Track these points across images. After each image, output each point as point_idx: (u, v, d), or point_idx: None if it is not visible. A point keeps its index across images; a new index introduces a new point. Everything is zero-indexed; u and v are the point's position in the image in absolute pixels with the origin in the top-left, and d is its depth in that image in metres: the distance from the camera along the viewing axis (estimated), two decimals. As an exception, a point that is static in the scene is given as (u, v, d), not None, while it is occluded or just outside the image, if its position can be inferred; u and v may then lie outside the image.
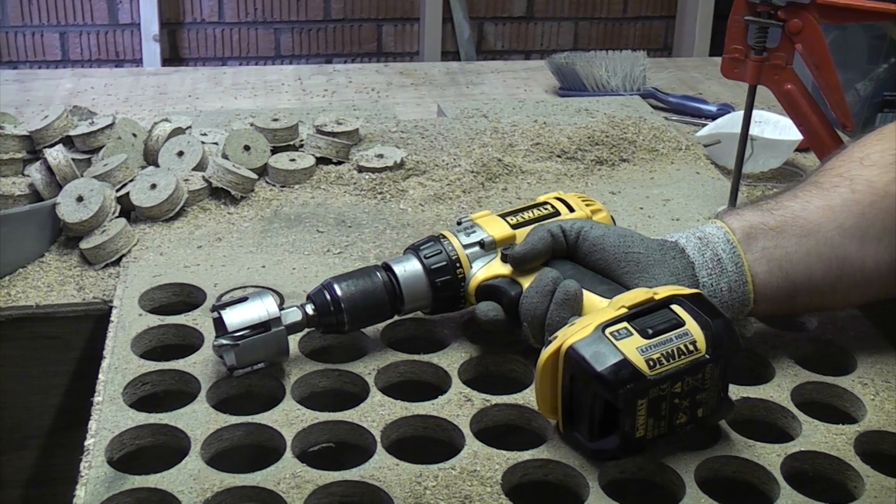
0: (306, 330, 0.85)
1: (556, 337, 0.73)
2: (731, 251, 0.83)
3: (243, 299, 0.82)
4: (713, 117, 1.55)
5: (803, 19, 1.09)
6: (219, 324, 0.82)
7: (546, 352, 0.73)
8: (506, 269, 0.85)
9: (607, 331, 0.71)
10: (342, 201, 1.18)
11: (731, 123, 1.40)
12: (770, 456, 0.76)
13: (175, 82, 1.76)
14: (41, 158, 1.14)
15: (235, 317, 0.81)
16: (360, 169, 1.24)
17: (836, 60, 1.11)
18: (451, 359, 0.86)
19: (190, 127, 1.28)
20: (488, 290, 0.85)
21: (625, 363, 0.70)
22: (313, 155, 1.25)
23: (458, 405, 0.80)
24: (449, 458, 0.75)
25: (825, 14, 1.10)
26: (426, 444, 0.79)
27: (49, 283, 1.02)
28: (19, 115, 1.46)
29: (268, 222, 1.12)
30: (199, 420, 0.78)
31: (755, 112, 1.26)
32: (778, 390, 0.84)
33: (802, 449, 0.77)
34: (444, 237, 0.87)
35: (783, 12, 1.10)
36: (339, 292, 0.84)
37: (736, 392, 0.83)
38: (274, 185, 1.21)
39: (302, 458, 0.75)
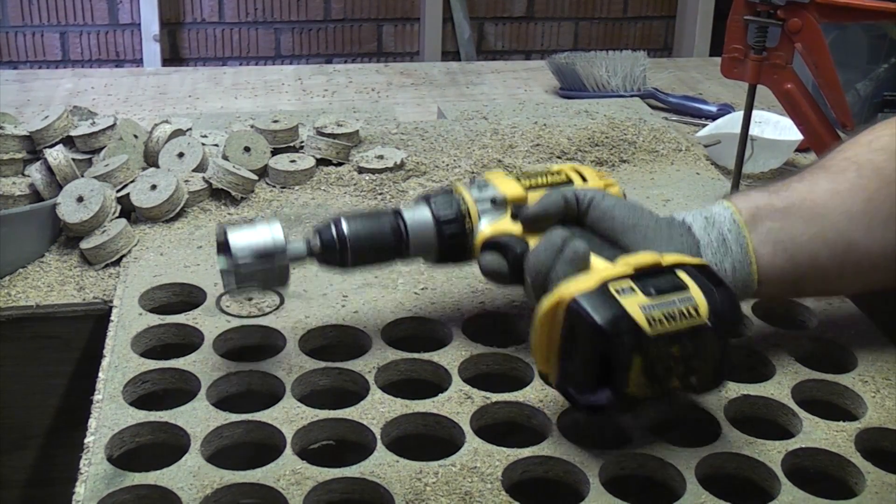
0: (308, 260, 0.84)
1: (558, 288, 0.72)
2: (737, 232, 0.82)
3: (251, 221, 0.81)
4: (713, 117, 1.55)
5: (803, 18, 1.10)
6: (222, 244, 0.81)
7: (547, 301, 0.72)
8: (514, 228, 0.85)
9: (610, 286, 0.71)
10: (342, 202, 1.18)
11: (731, 123, 1.40)
12: (771, 453, 0.76)
13: (175, 82, 1.77)
14: (41, 158, 1.14)
15: (240, 239, 0.80)
16: (361, 170, 1.24)
17: (836, 60, 1.11)
18: (452, 357, 0.86)
19: (190, 128, 1.28)
20: (494, 245, 0.85)
21: (625, 317, 0.69)
22: (313, 156, 1.25)
23: (458, 403, 0.80)
24: (449, 455, 0.75)
25: (825, 13, 1.10)
26: (426, 441, 0.79)
27: (49, 283, 1.02)
28: (19, 115, 1.46)
29: (268, 222, 1.12)
30: (198, 417, 0.78)
31: (755, 112, 1.26)
32: (779, 388, 0.84)
33: (803, 446, 0.77)
34: (457, 190, 0.87)
35: (783, 11, 1.10)
36: (345, 229, 0.84)
37: (737, 389, 0.83)
38: (274, 186, 1.21)
39: (302, 455, 0.75)
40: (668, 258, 0.74)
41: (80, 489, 0.70)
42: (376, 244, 0.85)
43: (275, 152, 1.25)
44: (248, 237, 0.80)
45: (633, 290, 0.71)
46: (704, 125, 1.51)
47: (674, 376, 0.72)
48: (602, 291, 0.71)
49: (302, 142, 1.29)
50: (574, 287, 0.71)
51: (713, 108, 1.61)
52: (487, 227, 0.86)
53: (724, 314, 0.72)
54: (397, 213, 0.86)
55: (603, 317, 0.69)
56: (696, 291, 0.72)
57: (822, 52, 1.11)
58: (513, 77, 1.85)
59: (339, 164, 1.27)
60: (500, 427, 0.80)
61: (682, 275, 0.73)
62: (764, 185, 0.88)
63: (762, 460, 0.75)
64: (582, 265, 0.78)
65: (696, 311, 0.71)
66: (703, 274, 0.74)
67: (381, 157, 1.26)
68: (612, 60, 1.71)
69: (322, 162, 1.26)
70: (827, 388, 0.85)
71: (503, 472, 0.73)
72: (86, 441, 0.75)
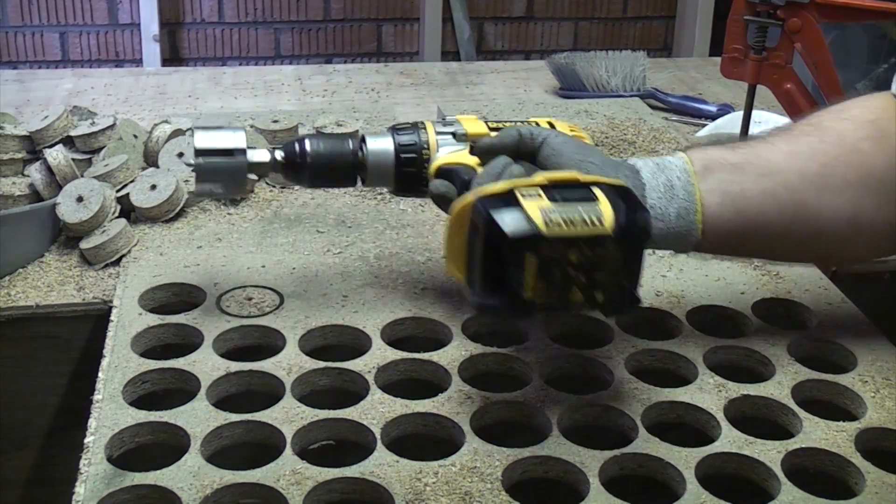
0: (270, 171, 0.90)
1: (472, 191, 0.75)
2: (686, 179, 0.82)
3: (220, 127, 0.89)
4: (713, 117, 1.55)
5: (802, 18, 1.10)
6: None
7: (459, 202, 0.75)
8: (470, 160, 0.88)
9: (518, 190, 0.73)
10: (342, 202, 1.18)
11: (731, 123, 1.40)
12: (771, 453, 0.76)
13: (175, 82, 1.76)
14: (41, 158, 1.14)
15: (204, 139, 0.87)
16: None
17: (836, 60, 1.12)
18: (451, 357, 0.86)
19: (190, 129, 1.28)
20: (446, 172, 0.88)
21: (521, 215, 0.71)
22: (313, 155, 1.25)
23: (458, 403, 0.80)
24: (449, 455, 0.75)
25: (824, 13, 1.10)
26: (426, 441, 0.79)
27: (49, 283, 1.02)
28: (19, 115, 1.46)
29: (268, 223, 1.12)
30: (198, 417, 0.78)
31: (755, 112, 1.26)
32: (779, 388, 0.84)
33: (803, 446, 0.77)
34: (423, 124, 0.92)
35: (782, 11, 1.10)
36: (308, 147, 0.89)
37: (737, 389, 0.83)
38: (274, 187, 1.21)
39: (302, 455, 0.75)
40: (588, 177, 0.75)
41: (80, 489, 0.70)
42: (335, 165, 0.90)
43: (275, 152, 1.25)
44: (213, 137, 0.88)
45: (539, 195, 0.72)
46: (704, 125, 1.51)
47: (575, 286, 0.72)
48: (507, 194, 0.73)
49: (302, 142, 1.29)
50: (484, 190, 0.74)
51: (713, 108, 1.61)
52: (444, 156, 0.89)
53: (629, 229, 0.72)
54: (362, 139, 0.90)
55: (499, 212, 0.71)
56: (604, 204, 0.72)
57: (822, 52, 1.11)
58: (513, 77, 1.85)
59: (339, 164, 1.26)
60: (499, 427, 0.80)
61: (597, 190, 0.73)
62: (723, 143, 0.88)
63: (762, 460, 0.75)
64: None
65: (600, 220, 0.71)
66: (617, 192, 0.74)
67: (380, 156, 1.25)
68: (611, 60, 1.71)
69: (322, 162, 1.26)
70: (827, 388, 0.85)
71: (503, 472, 0.73)
72: (86, 441, 0.75)
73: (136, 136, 1.21)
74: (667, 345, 0.89)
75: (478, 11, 3.09)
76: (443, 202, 0.87)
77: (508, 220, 0.71)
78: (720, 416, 0.80)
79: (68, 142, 1.18)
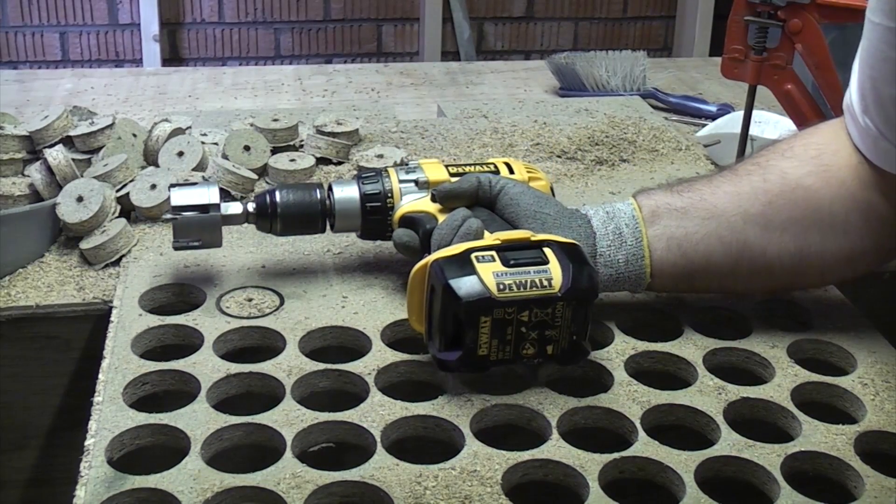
0: (245, 224, 0.95)
1: (432, 254, 0.79)
2: (634, 226, 0.87)
3: (194, 184, 0.93)
4: (713, 117, 1.55)
5: (803, 19, 1.10)
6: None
7: (419, 264, 0.80)
8: (431, 208, 0.92)
9: (473, 254, 0.77)
10: (342, 201, 1.17)
11: (731, 123, 1.40)
12: (770, 456, 0.76)
13: (175, 82, 1.76)
14: (41, 158, 1.14)
15: (180, 195, 0.92)
16: (360, 168, 1.24)
17: (836, 60, 1.12)
18: (451, 359, 0.86)
19: (190, 127, 1.28)
20: (409, 220, 0.92)
21: (475, 280, 0.75)
22: (313, 155, 1.25)
23: (458, 405, 0.80)
24: (449, 458, 0.75)
25: (825, 14, 1.10)
26: (426, 444, 0.79)
27: (49, 283, 1.02)
28: (19, 115, 1.46)
29: (268, 222, 1.12)
30: (199, 420, 0.78)
31: (755, 112, 1.26)
32: (778, 390, 0.84)
33: (802, 449, 0.77)
34: (387, 171, 0.95)
35: (783, 12, 1.10)
36: (277, 199, 0.93)
37: (736, 392, 0.83)
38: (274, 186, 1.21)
39: (302, 458, 0.75)
40: (539, 236, 0.80)
41: (80, 492, 0.70)
42: (304, 215, 0.94)
43: (274, 151, 1.25)
44: (188, 195, 0.92)
45: (492, 258, 0.77)
46: (704, 125, 1.51)
47: (527, 343, 0.78)
48: (463, 257, 0.77)
49: (302, 140, 1.29)
50: (442, 253, 0.78)
51: (713, 108, 1.61)
52: (407, 204, 0.93)
53: (576, 288, 0.77)
54: (329, 188, 0.95)
55: (455, 277, 0.75)
56: (554, 266, 0.77)
57: (823, 53, 1.11)
58: (512, 77, 1.84)
59: (339, 163, 1.27)
60: (499, 430, 0.80)
61: (547, 251, 0.78)
62: (670, 186, 0.91)
63: (761, 463, 0.75)
64: (475, 240, 0.83)
65: (550, 283, 0.76)
66: (567, 251, 0.78)
67: (380, 156, 1.26)
68: (612, 60, 1.71)
69: (322, 161, 1.26)
70: (826, 391, 0.85)
71: (503, 475, 0.73)
72: (86, 444, 0.75)
73: (135, 136, 1.21)
74: (666, 347, 0.89)
75: (478, 11, 3.09)
76: (406, 251, 0.91)
77: (464, 286, 0.75)
78: (720, 419, 0.80)
79: (68, 142, 1.18)
